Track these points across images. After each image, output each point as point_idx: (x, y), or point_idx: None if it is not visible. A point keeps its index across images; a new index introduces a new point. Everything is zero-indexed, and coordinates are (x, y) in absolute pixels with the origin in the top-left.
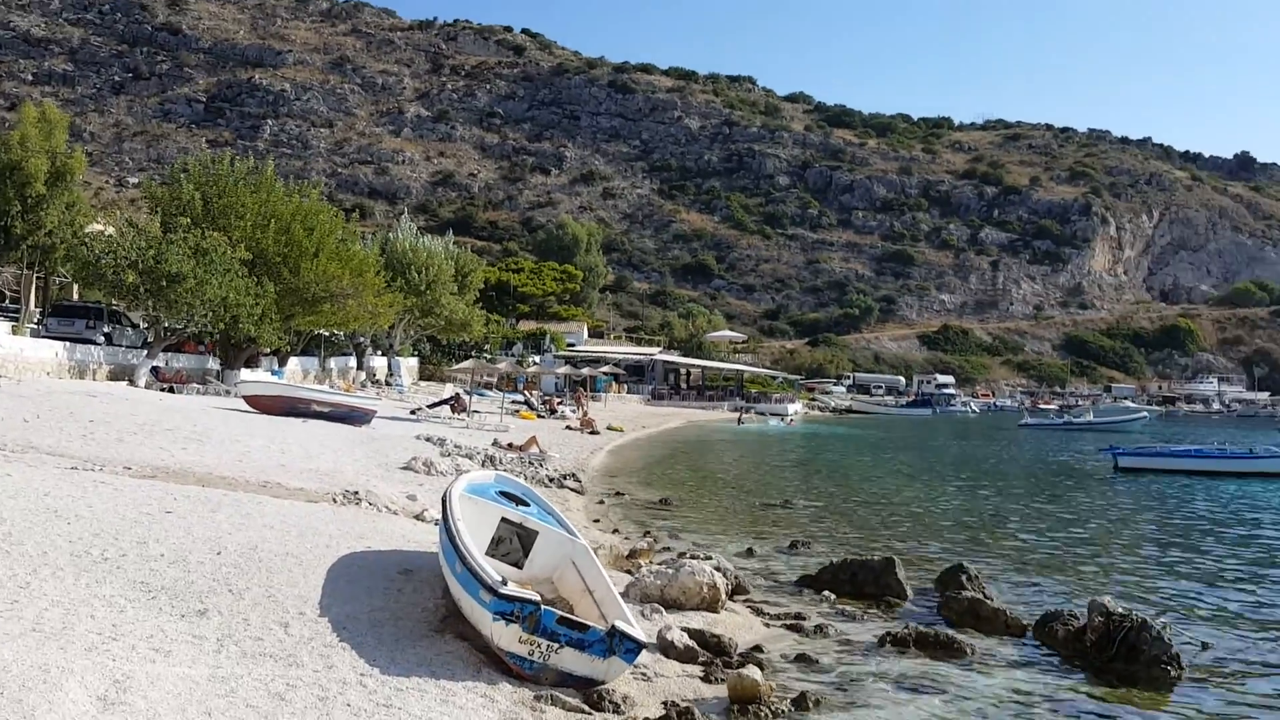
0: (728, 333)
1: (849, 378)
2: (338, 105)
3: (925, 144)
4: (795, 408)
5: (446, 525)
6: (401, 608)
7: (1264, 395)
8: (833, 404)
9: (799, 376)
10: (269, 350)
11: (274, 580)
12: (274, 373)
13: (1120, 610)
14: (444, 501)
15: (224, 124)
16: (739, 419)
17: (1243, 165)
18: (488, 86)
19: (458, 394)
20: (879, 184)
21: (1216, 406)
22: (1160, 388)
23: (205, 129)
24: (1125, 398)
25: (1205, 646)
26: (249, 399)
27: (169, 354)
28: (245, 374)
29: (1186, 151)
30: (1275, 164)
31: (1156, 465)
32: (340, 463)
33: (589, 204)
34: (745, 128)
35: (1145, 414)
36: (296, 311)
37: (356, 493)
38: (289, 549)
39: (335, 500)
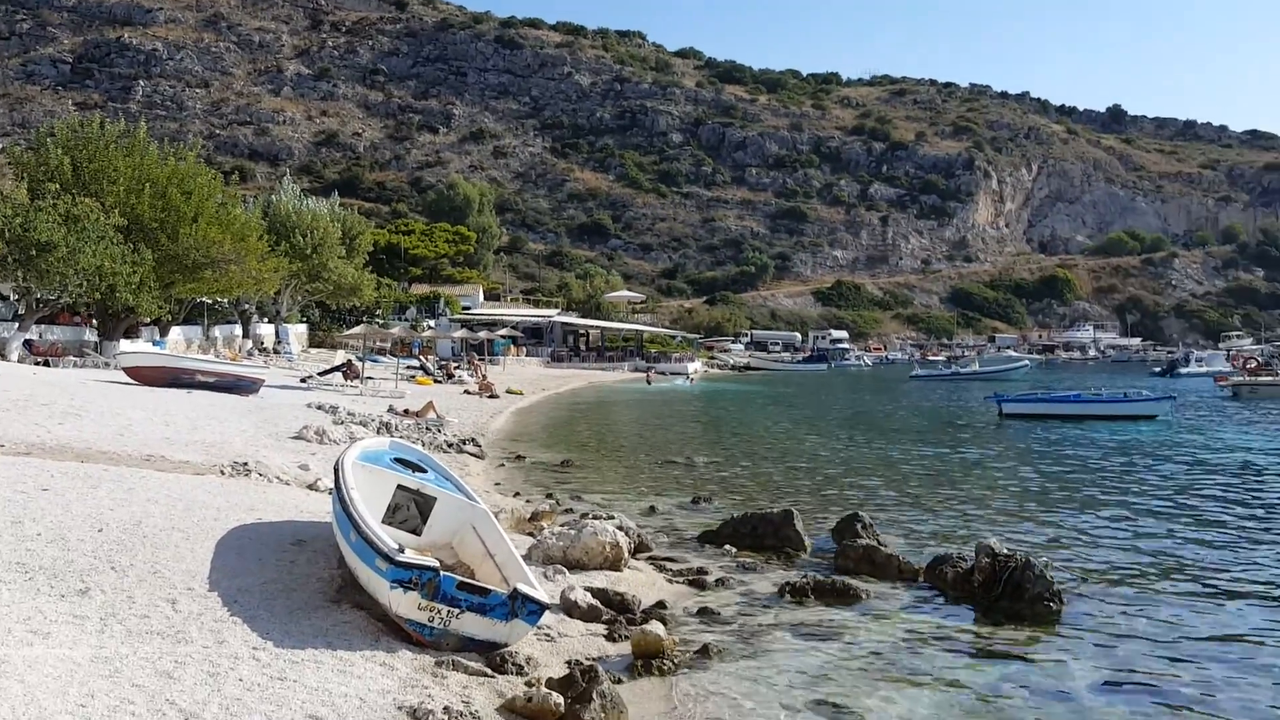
0: (626, 293)
1: (747, 335)
2: (213, 65)
3: (815, 100)
4: (695, 366)
5: (340, 494)
6: (295, 579)
7: (1136, 341)
8: (731, 362)
9: (698, 335)
10: (149, 320)
11: (160, 556)
12: (155, 343)
13: (1005, 551)
14: (337, 470)
15: (92, 85)
16: (647, 379)
17: (1115, 118)
18: (370, 43)
19: (350, 360)
20: (771, 141)
21: (1092, 353)
22: (1040, 336)
23: (73, 91)
24: (1008, 347)
25: (1083, 583)
26: (129, 370)
27: (42, 326)
28: (125, 345)
29: (1062, 105)
30: (1145, 116)
31: (1038, 411)
32: (228, 433)
33: (480, 163)
34: (637, 84)
35: (1026, 362)
36: (176, 279)
37: (245, 464)
38: (175, 523)
39: (223, 472)
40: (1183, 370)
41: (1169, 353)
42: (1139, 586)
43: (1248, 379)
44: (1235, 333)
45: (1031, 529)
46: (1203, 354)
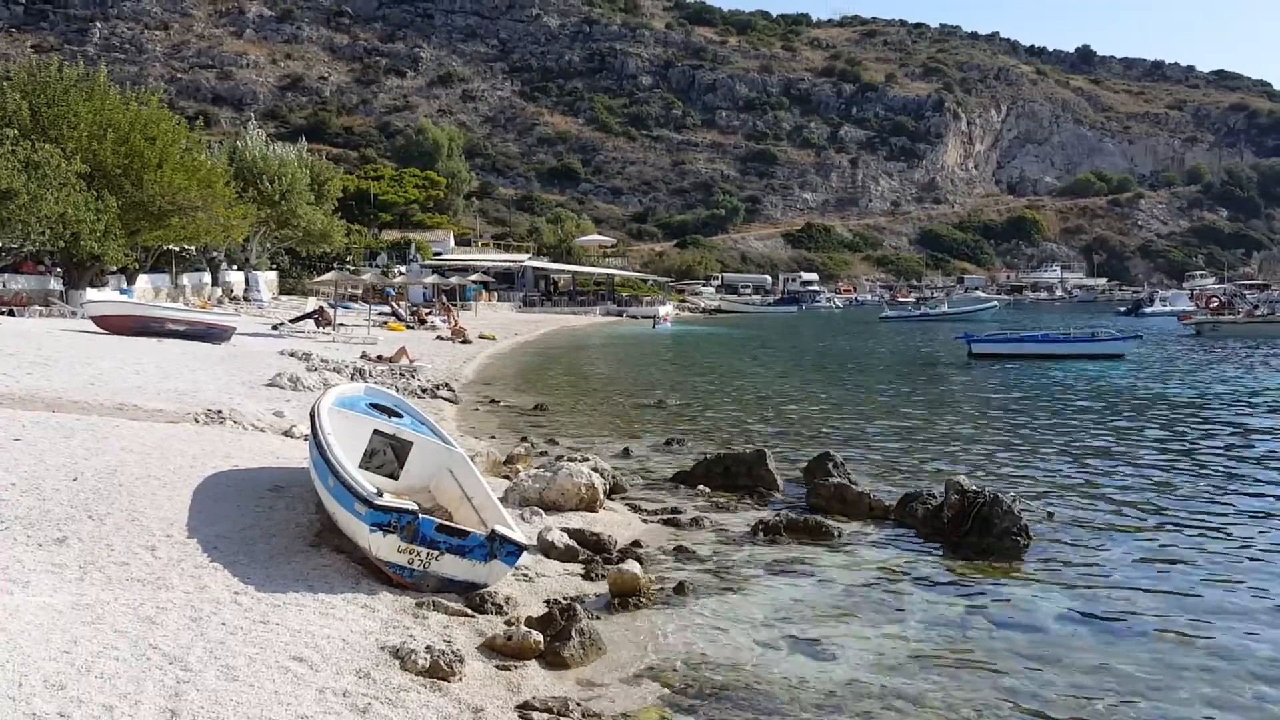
0: (597, 237)
1: (717, 278)
2: (172, 5)
3: (785, 41)
4: (667, 309)
5: (316, 439)
6: (274, 525)
7: (1102, 281)
8: (703, 305)
9: (669, 278)
10: (116, 268)
11: (137, 504)
12: (123, 291)
13: (973, 487)
14: (312, 416)
15: (47, 27)
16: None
17: (1083, 59)
18: None
19: (321, 307)
20: (741, 83)
21: (1059, 293)
22: (1008, 277)
23: (27, 33)
24: (976, 288)
25: (1050, 516)
26: (97, 319)
27: (6, 275)
28: (91, 294)
29: (1032, 46)
30: (1114, 57)
31: (1006, 351)
32: (200, 382)
33: (448, 107)
34: (606, 26)
35: (995, 303)
36: (142, 226)
37: (220, 411)
38: (151, 471)
39: (197, 420)
40: (1147, 310)
41: (1134, 292)
42: (1103, 521)
43: (1210, 318)
44: (1199, 272)
45: (1000, 466)
46: (1167, 294)
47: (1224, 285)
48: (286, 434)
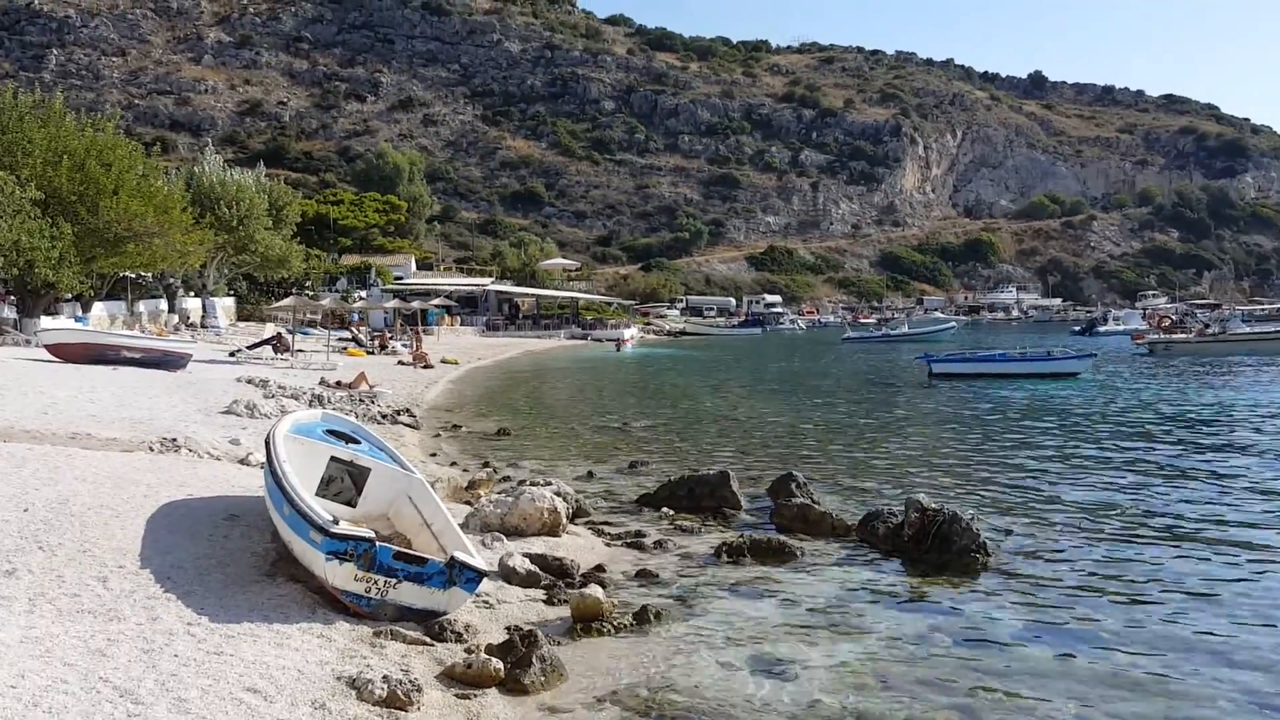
0: (561, 260)
1: (682, 301)
2: (130, 32)
3: (745, 67)
4: (631, 332)
5: (272, 467)
6: (229, 554)
7: (1057, 301)
8: (667, 328)
9: (633, 301)
10: (71, 295)
11: (89, 534)
12: (78, 319)
13: (933, 505)
14: (268, 443)
15: (2, 54)
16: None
17: (1036, 84)
18: (293, 9)
19: (279, 333)
20: (703, 107)
21: (1016, 313)
22: (966, 298)
23: None
24: (936, 309)
25: (1009, 534)
26: (51, 348)
27: None
28: (46, 321)
29: (985, 72)
30: (1065, 82)
31: (965, 370)
32: (156, 410)
33: (409, 131)
34: (567, 51)
35: (954, 324)
36: (98, 253)
37: (175, 440)
38: (104, 501)
39: (152, 448)
40: (1101, 329)
41: (1088, 312)
42: (1062, 537)
43: (1162, 336)
44: (1151, 292)
45: (959, 484)
46: (1120, 313)
47: (1175, 305)
48: (243, 462)
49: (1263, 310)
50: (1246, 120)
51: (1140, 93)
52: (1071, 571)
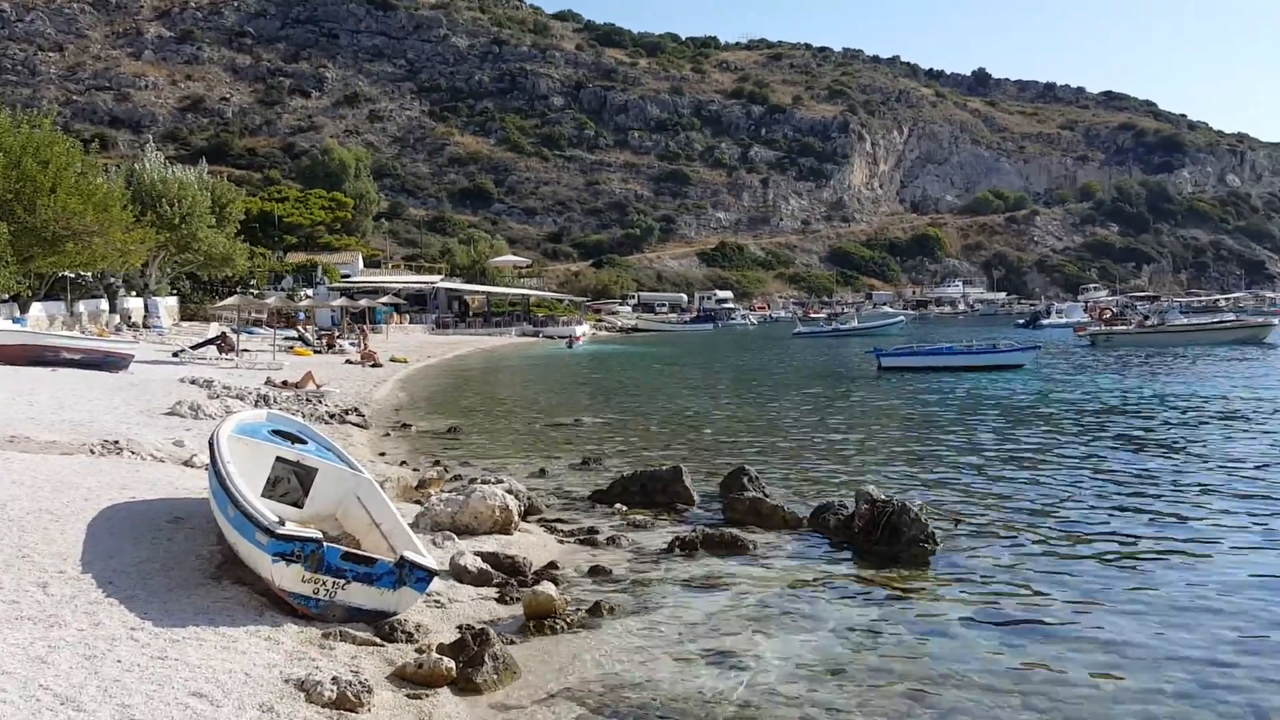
0: (511, 257)
1: (634, 297)
2: (67, 26)
3: (694, 64)
4: (583, 329)
5: (216, 468)
6: (173, 557)
7: (1002, 295)
8: (619, 324)
9: (585, 298)
10: (8, 296)
11: (28, 539)
12: (15, 320)
13: (883, 497)
14: (212, 444)
15: None
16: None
17: (979, 81)
18: (235, 3)
19: (224, 333)
20: (652, 104)
21: (962, 307)
22: (914, 293)
23: None
24: (884, 304)
25: (957, 524)
26: None
27: None
28: None
29: (931, 69)
30: (1008, 79)
31: (914, 364)
32: (97, 411)
33: (355, 127)
34: (515, 47)
35: (902, 318)
36: (36, 253)
37: (116, 442)
38: (43, 505)
39: (93, 451)
40: (1045, 322)
41: (1032, 306)
42: (1008, 526)
43: (1104, 328)
44: (1092, 285)
45: (908, 475)
46: (1063, 306)
47: (1116, 297)
48: (187, 464)
49: (1200, 302)
50: (1183, 116)
51: (1081, 90)
52: (1018, 560)
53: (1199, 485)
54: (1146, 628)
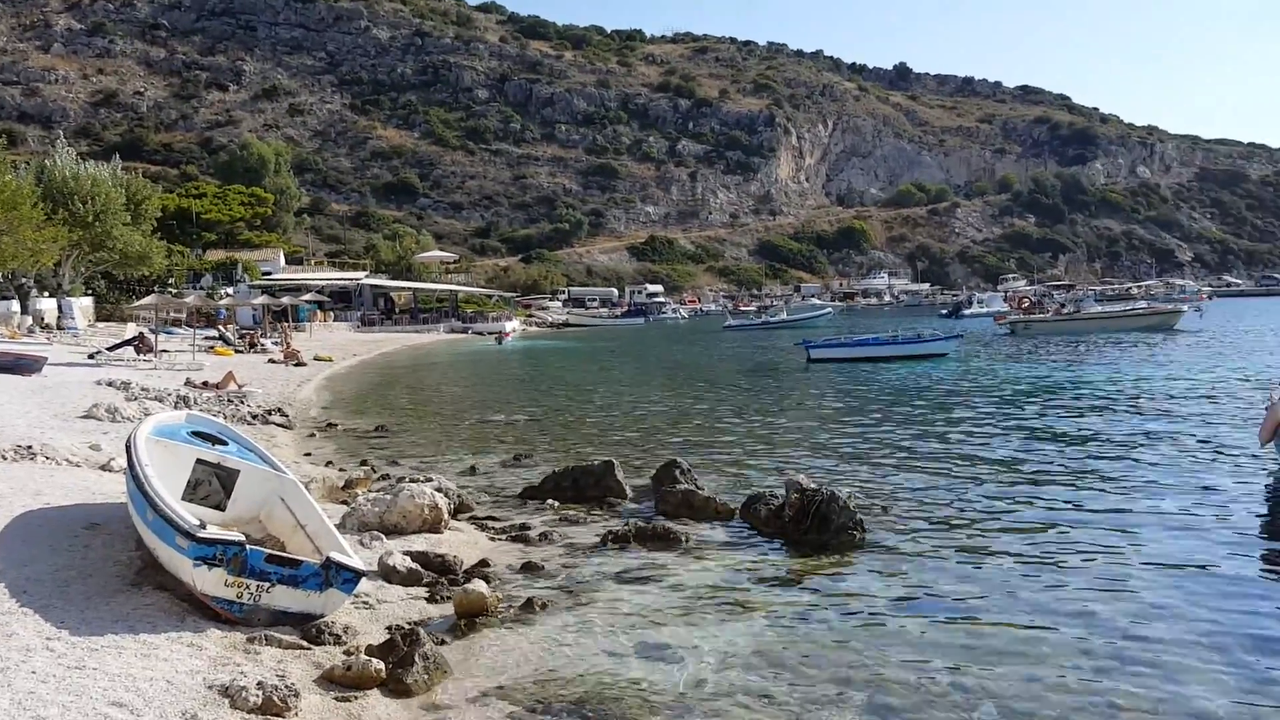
0: (438, 253)
1: (564, 292)
2: None
3: (620, 56)
4: (513, 325)
5: (133, 472)
6: (90, 564)
7: (926, 286)
8: (550, 319)
9: (515, 294)
10: None
11: None
12: None
13: (812, 486)
14: (129, 447)
15: None
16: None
17: (901, 76)
18: None
19: (142, 333)
20: (579, 97)
21: (888, 299)
22: (841, 285)
23: None
24: (812, 296)
25: (885, 510)
26: None
27: None
28: None
29: (854, 63)
30: (928, 74)
31: (842, 355)
32: (8, 416)
33: (274, 122)
34: (438, 39)
35: (830, 310)
36: None
37: (30, 446)
38: None
39: (4, 456)
40: (966, 312)
41: (954, 296)
42: (935, 512)
43: (1022, 317)
44: (1011, 275)
45: (838, 465)
46: (983, 296)
47: (1034, 287)
48: (104, 468)
49: (1113, 290)
50: (1095, 110)
51: (998, 84)
52: (943, 544)
53: (1110, 466)
54: (1066, 605)
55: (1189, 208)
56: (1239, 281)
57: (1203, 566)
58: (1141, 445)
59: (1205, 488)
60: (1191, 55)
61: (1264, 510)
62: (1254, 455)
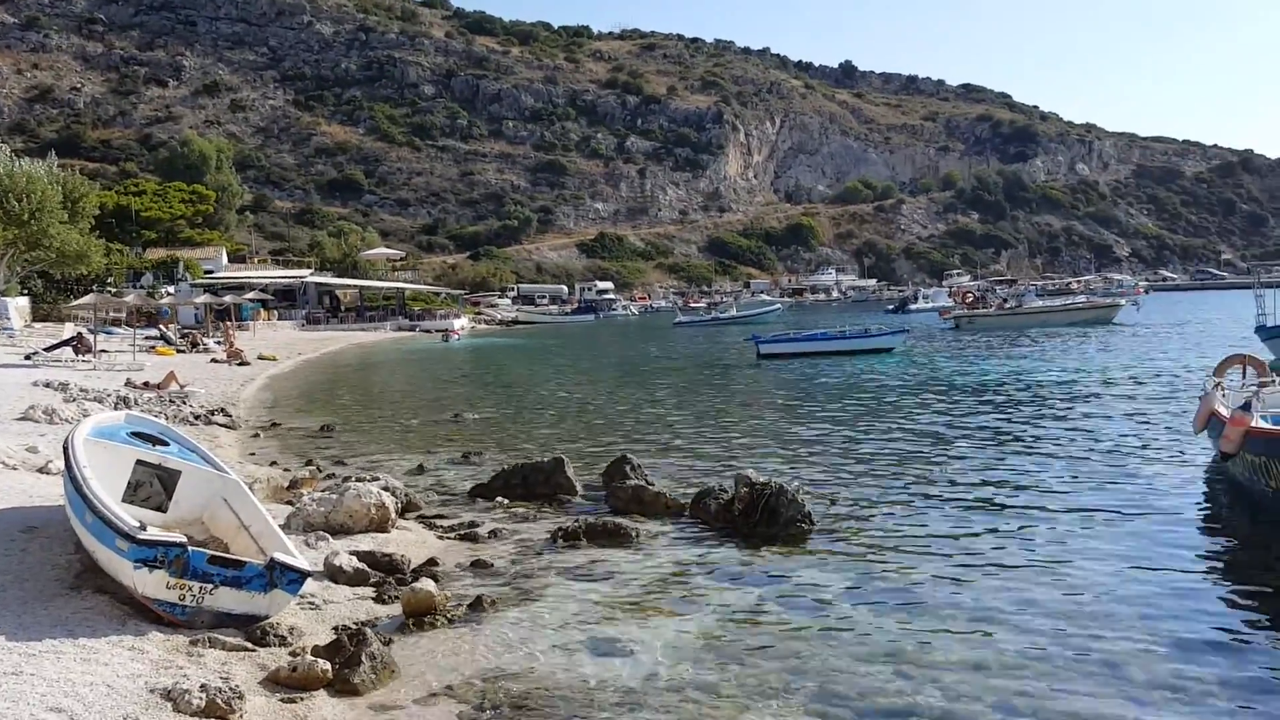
0: (384, 250)
1: (513, 289)
2: None
3: (568, 53)
4: (461, 322)
5: (71, 474)
6: (28, 568)
7: (872, 282)
8: (499, 317)
9: (463, 291)
10: None
11: None
12: None
13: (761, 479)
14: (67, 449)
15: None
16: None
17: (846, 73)
18: None
19: (80, 333)
20: (526, 93)
21: (836, 295)
22: (790, 281)
23: None
24: (762, 292)
25: (832, 502)
26: None
27: None
28: None
29: (800, 61)
30: (873, 72)
31: (791, 350)
32: None
33: (216, 118)
34: (383, 34)
35: (779, 306)
36: None
37: None
38: None
39: None
40: (912, 307)
41: (900, 292)
42: (880, 502)
43: (966, 312)
44: (956, 271)
45: (787, 458)
46: (929, 291)
47: (977, 282)
48: (42, 470)
49: (1054, 285)
50: (1036, 108)
51: (941, 82)
52: (889, 534)
53: (1050, 457)
54: (1008, 594)
55: (1126, 204)
56: (1174, 276)
57: (1139, 554)
58: (1080, 436)
59: (1142, 477)
60: (1127, 53)
61: (1199, 498)
62: (1188, 444)
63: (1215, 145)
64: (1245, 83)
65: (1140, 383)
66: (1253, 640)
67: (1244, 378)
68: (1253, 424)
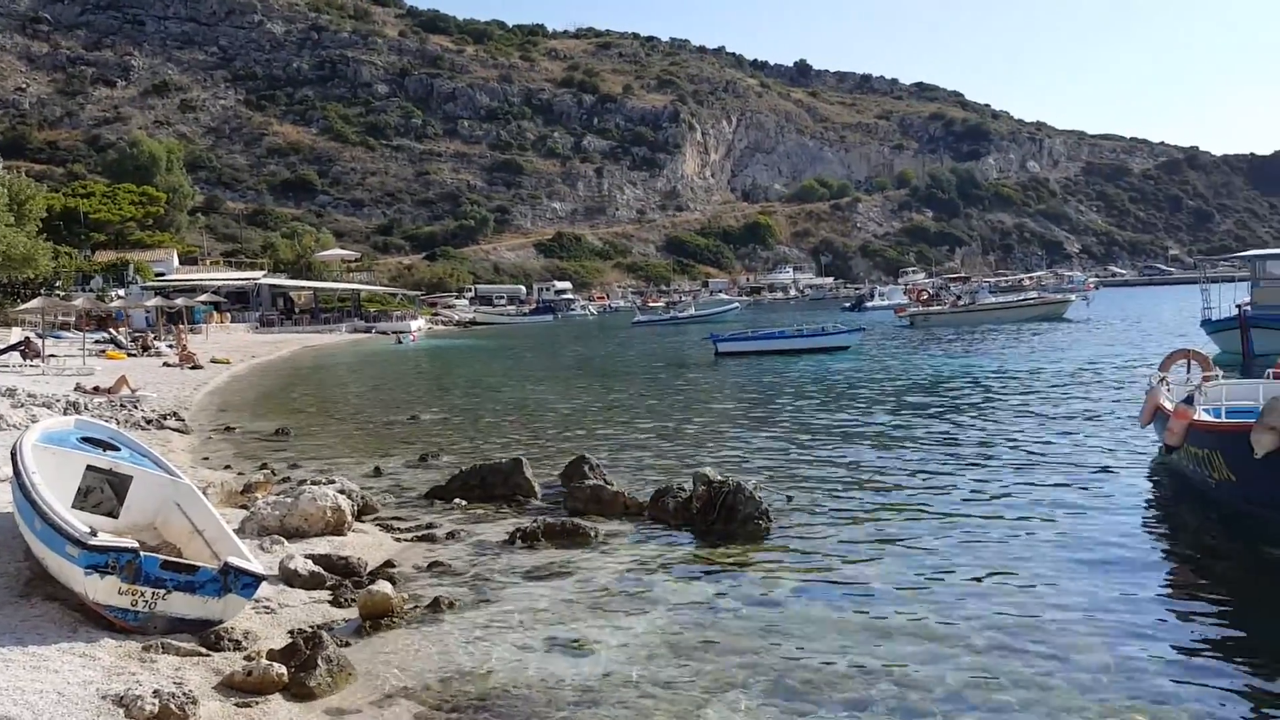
0: (339, 251)
1: (471, 290)
2: None
3: (523, 51)
4: (418, 324)
5: (19, 480)
6: None
7: (829, 280)
8: (456, 318)
9: (420, 292)
10: None
11: None
12: None
13: (719, 478)
14: (14, 455)
15: None
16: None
17: (801, 72)
18: None
19: (28, 338)
20: (482, 92)
21: (793, 293)
22: (748, 279)
23: None
24: (720, 291)
25: (790, 499)
26: None
27: None
28: None
29: (755, 60)
30: (828, 71)
31: (749, 348)
32: None
33: (165, 118)
34: (335, 33)
35: (737, 304)
36: None
37: None
38: None
39: None
40: (868, 305)
41: (857, 290)
42: (836, 499)
43: (921, 309)
44: (911, 269)
45: (745, 456)
46: (885, 289)
47: (932, 280)
48: None
49: (1006, 282)
50: (987, 106)
51: (895, 81)
52: (846, 530)
53: (1003, 451)
54: (962, 588)
55: (1076, 201)
56: (1124, 272)
57: (1090, 546)
58: (1032, 430)
59: (1091, 470)
60: (1075, 52)
61: (1146, 489)
62: (1135, 437)
63: (1162, 142)
64: (1191, 81)
65: (1089, 377)
66: (1193, 625)
67: (1189, 372)
68: (1195, 417)
